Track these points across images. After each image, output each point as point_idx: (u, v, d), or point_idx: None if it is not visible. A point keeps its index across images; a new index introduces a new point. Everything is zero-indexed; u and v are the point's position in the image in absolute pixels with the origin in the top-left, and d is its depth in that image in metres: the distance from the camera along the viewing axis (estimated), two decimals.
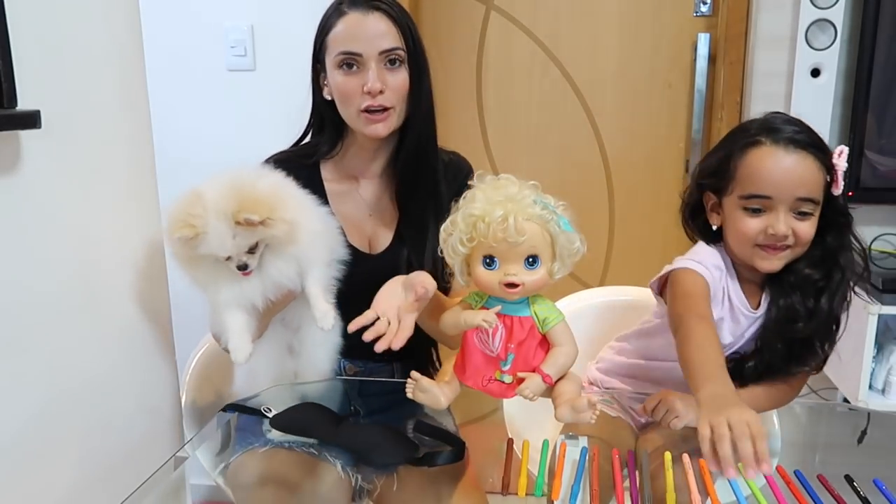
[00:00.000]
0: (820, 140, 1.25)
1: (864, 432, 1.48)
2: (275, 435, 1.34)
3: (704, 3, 2.50)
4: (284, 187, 1.32)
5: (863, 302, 2.15)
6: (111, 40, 1.42)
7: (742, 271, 1.33)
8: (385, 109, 1.45)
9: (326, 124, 1.56)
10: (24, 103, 1.14)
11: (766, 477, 1.08)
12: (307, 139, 1.61)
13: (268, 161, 1.53)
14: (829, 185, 1.25)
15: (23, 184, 1.17)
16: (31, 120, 1.16)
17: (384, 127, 1.46)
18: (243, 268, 1.25)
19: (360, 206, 1.58)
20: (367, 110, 1.44)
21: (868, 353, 2.15)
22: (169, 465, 1.24)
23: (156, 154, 2.20)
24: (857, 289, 1.32)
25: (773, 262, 1.26)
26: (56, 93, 1.24)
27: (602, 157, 2.65)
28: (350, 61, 1.43)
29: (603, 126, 2.64)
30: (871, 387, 2.22)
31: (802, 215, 1.23)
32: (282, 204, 1.25)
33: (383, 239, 1.56)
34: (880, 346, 2.24)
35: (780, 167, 1.22)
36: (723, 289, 1.32)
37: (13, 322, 1.14)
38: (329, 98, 1.51)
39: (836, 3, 2.22)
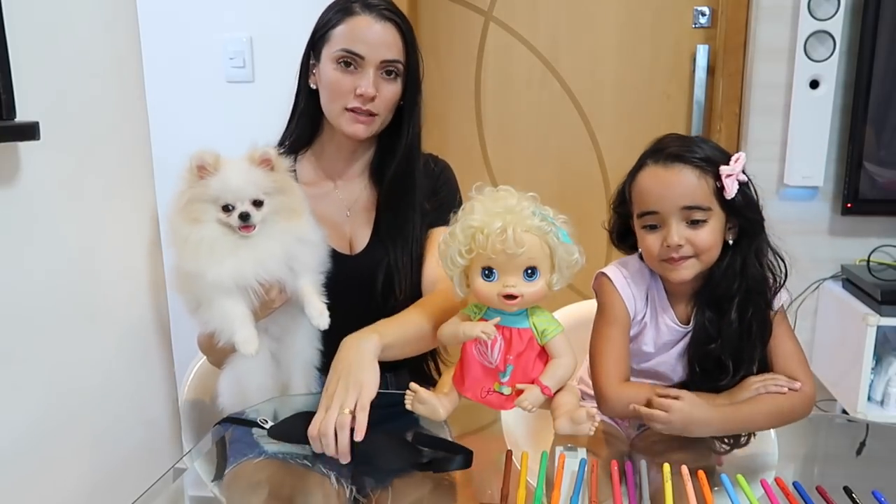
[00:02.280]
0: (709, 152, 1.27)
1: (862, 444, 1.48)
2: (269, 446, 1.34)
3: (703, 15, 2.51)
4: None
5: (861, 314, 2.16)
6: (110, 52, 1.42)
7: (669, 287, 1.36)
8: (371, 114, 1.47)
9: (305, 113, 1.57)
10: (22, 115, 1.14)
11: (765, 488, 1.08)
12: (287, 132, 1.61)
13: None
14: (721, 192, 1.27)
15: (22, 195, 1.17)
16: (30, 131, 1.16)
17: (365, 130, 1.49)
18: (245, 218, 1.25)
19: (338, 207, 1.60)
20: (354, 110, 1.46)
21: (867, 364, 2.15)
22: (168, 477, 1.24)
23: (155, 165, 2.20)
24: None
25: (679, 273, 1.28)
26: (55, 104, 1.24)
27: (601, 168, 2.65)
28: (349, 60, 1.45)
29: (602, 137, 2.64)
30: (869, 398, 2.22)
31: (696, 223, 1.26)
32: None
33: (362, 239, 1.58)
34: (879, 357, 2.24)
35: (661, 182, 1.27)
36: (646, 292, 1.37)
37: (12, 332, 1.14)
38: (314, 87, 1.53)
39: (834, 15, 2.23)
